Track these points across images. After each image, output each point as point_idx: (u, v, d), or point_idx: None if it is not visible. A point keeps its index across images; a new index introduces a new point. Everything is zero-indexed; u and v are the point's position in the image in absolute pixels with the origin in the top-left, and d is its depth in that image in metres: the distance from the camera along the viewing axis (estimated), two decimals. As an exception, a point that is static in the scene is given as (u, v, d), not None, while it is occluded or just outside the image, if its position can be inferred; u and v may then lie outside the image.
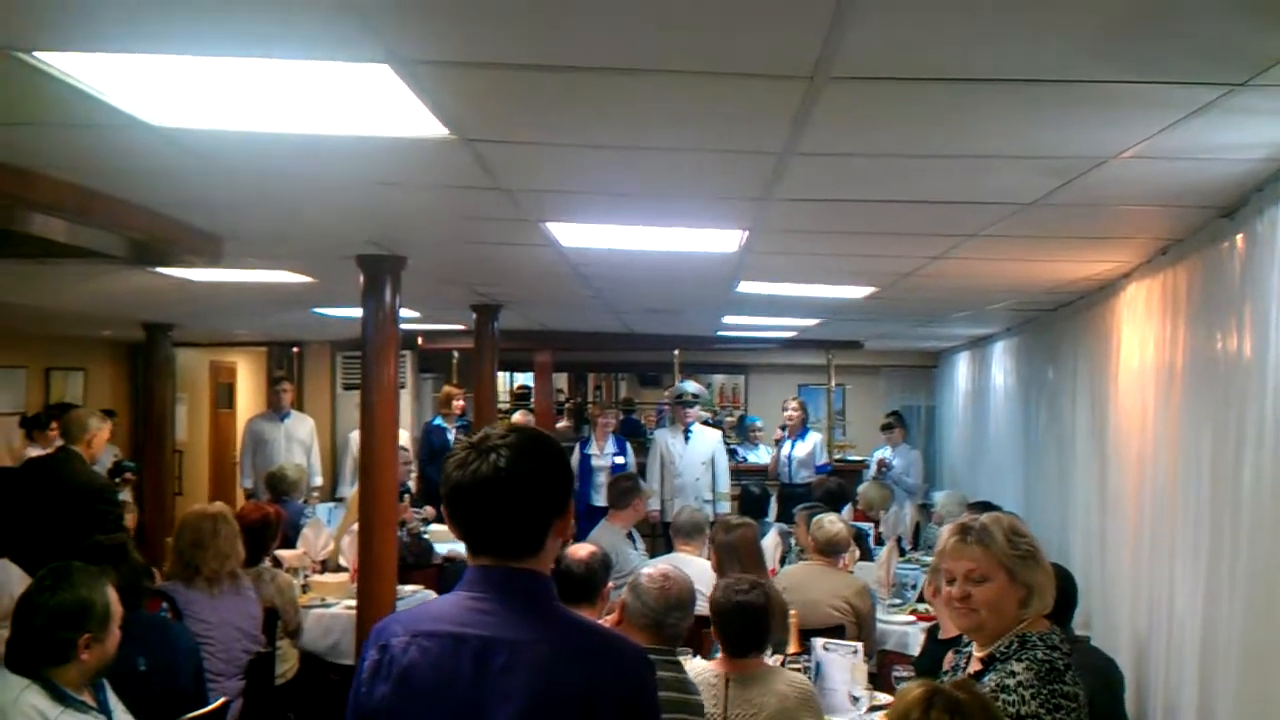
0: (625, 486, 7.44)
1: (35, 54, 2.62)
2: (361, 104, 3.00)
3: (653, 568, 4.02)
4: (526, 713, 2.09)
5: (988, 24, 2.33)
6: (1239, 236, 3.95)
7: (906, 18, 2.29)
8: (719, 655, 4.13)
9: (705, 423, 11.22)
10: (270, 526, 6.37)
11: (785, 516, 8.56)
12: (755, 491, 8.57)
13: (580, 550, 4.35)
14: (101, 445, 6.85)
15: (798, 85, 2.72)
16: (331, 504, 9.61)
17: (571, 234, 5.15)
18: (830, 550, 6.23)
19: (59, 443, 7.05)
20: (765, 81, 2.71)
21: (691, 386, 11.00)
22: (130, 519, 7.00)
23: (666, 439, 10.63)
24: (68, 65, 2.71)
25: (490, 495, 2.16)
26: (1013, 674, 2.87)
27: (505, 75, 2.76)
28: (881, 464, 11.05)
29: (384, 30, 2.45)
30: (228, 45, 2.56)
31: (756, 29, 2.36)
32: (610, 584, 4.76)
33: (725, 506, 10.00)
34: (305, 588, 6.87)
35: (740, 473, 11.33)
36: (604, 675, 2.14)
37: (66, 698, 3.45)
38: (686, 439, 10.53)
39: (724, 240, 5.20)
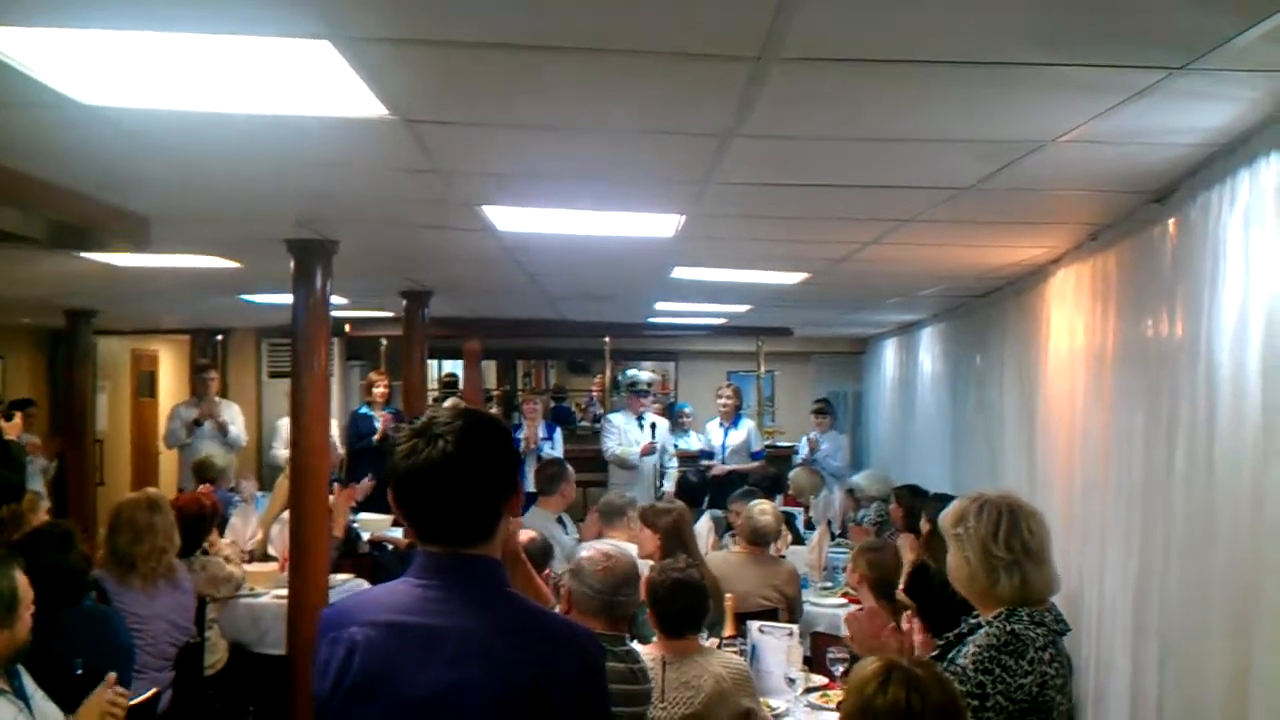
0: (552, 472, 7.39)
1: (-40, 27, 2.53)
2: (300, 82, 2.94)
3: (591, 549, 3.98)
4: (480, 701, 2.07)
5: (931, 5, 2.33)
6: (1170, 221, 4.00)
7: (855, -3, 2.28)
8: (655, 639, 4.13)
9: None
10: (206, 519, 6.32)
11: (718, 503, 8.56)
12: (694, 480, 8.52)
13: (520, 536, 4.32)
14: None
15: (744, 66, 2.71)
16: (259, 493, 9.46)
17: (508, 218, 5.09)
18: (758, 540, 6.25)
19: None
20: (712, 62, 2.70)
21: (646, 375, 10.99)
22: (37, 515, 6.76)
23: (622, 424, 10.66)
24: (-6, 39, 2.62)
25: (439, 482, 2.12)
26: (975, 640, 2.93)
27: (448, 53, 2.72)
28: (813, 444, 11.15)
29: (326, 5, 2.39)
30: (161, 19, 2.48)
31: (705, 8, 2.34)
32: (547, 570, 4.74)
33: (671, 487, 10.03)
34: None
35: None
36: (556, 660, 2.13)
37: None
38: (640, 426, 10.58)
39: (661, 225, 5.18)
